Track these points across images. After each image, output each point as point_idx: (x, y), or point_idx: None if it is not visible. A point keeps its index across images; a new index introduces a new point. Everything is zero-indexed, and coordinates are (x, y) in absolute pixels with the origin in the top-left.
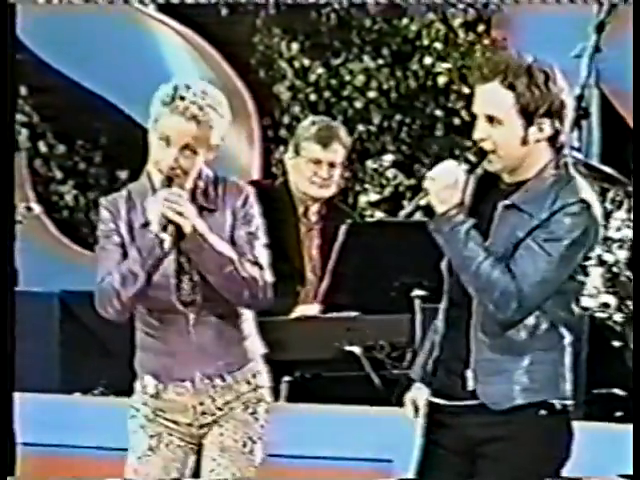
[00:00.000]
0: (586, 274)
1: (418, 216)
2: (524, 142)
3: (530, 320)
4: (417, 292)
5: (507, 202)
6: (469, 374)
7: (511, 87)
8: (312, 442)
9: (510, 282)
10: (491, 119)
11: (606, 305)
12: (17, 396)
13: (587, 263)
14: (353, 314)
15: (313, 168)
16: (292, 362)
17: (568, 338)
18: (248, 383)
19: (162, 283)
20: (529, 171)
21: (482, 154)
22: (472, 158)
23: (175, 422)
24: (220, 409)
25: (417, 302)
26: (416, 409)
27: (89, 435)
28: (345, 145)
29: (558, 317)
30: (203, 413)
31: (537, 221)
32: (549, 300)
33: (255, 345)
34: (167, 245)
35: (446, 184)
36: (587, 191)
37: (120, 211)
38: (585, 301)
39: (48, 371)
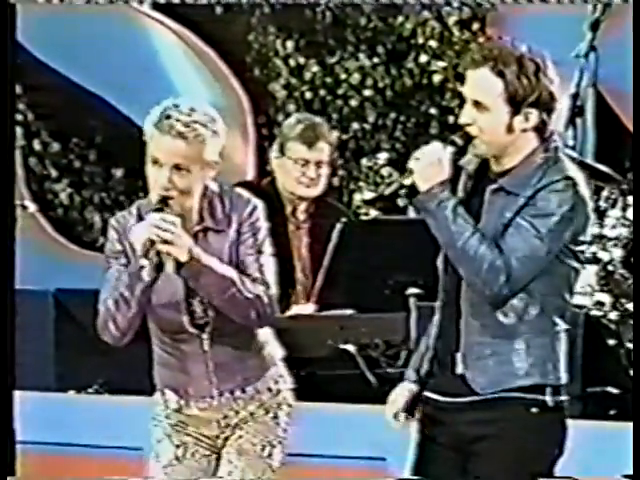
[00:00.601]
0: (578, 260)
1: (412, 214)
2: (509, 130)
3: (518, 303)
4: (412, 290)
5: (495, 186)
6: (458, 358)
7: (500, 74)
8: (306, 440)
9: (498, 256)
10: (478, 104)
11: (601, 303)
12: (16, 395)
13: (578, 248)
14: (348, 312)
15: (300, 168)
16: (286, 360)
17: (561, 326)
18: (270, 390)
19: (172, 306)
20: (516, 159)
21: (468, 138)
22: (459, 141)
23: (201, 434)
24: (244, 420)
25: (412, 300)
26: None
27: (89, 434)
28: (331, 142)
29: (550, 303)
30: (227, 425)
31: (524, 199)
32: (539, 284)
33: (273, 350)
34: (146, 272)
35: (430, 162)
36: (574, 171)
37: (127, 232)
38: (580, 299)
39: (43, 369)
